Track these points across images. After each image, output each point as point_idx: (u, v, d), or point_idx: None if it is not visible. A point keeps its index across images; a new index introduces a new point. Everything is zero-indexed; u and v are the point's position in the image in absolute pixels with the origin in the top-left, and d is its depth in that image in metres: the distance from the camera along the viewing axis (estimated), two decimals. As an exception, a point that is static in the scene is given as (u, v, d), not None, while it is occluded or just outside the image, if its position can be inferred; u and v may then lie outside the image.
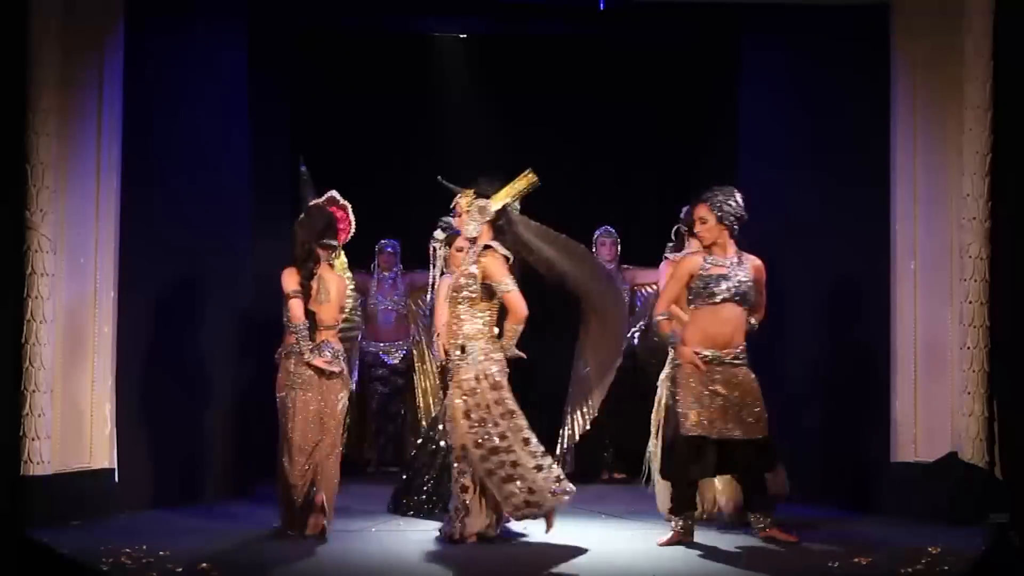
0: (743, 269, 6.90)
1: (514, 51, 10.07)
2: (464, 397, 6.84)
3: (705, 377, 6.81)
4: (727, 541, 6.97)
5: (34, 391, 7.16)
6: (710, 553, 6.66)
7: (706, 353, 6.83)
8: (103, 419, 7.59)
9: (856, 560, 6.36)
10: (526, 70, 10.14)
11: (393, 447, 9.67)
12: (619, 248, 9.50)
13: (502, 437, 6.80)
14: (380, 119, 10.19)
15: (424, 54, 10.17)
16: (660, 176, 10.42)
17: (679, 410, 6.84)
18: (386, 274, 9.74)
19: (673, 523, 6.93)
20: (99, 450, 7.57)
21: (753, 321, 7.01)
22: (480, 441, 6.80)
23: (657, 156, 10.40)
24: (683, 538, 6.88)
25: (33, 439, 7.15)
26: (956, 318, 7.61)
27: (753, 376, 6.91)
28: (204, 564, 6.05)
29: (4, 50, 7.14)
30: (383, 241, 9.67)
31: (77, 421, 7.47)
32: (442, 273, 7.66)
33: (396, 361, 9.68)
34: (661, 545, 6.84)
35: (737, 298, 6.85)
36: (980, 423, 7.36)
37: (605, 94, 10.23)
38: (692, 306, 6.95)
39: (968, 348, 7.44)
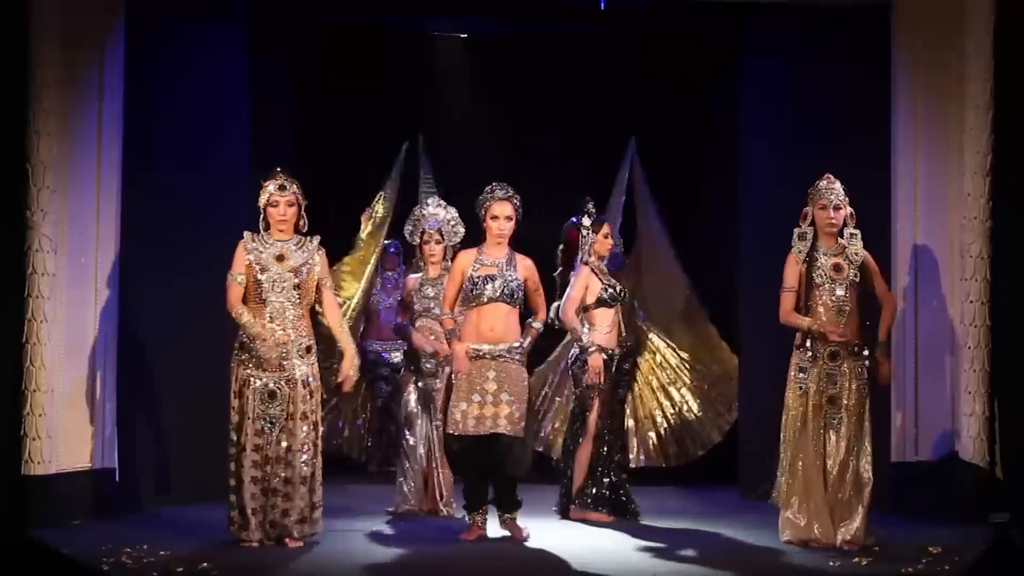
0: (512, 268, 7.01)
1: (514, 50, 10.06)
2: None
3: (478, 375, 6.91)
4: (728, 541, 6.97)
5: (34, 391, 7.18)
6: (710, 553, 6.65)
7: (481, 347, 6.93)
8: (103, 419, 7.59)
9: (856, 560, 6.36)
10: (526, 69, 10.13)
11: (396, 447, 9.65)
12: (622, 247, 9.51)
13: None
14: (381, 119, 10.18)
15: (424, 54, 10.16)
16: (661, 176, 10.41)
17: (450, 406, 6.96)
18: (389, 273, 9.77)
19: (470, 518, 7.03)
20: (99, 450, 7.58)
21: (537, 324, 7.12)
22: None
23: (658, 156, 10.38)
24: (482, 533, 7.01)
25: (33, 439, 7.16)
26: (957, 318, 7.61)
27: (525, 376, 7.03)
28: (204, 564, 6.05)
29: (5, 50, 7.14)
30: (386, 241, 9.69)
31: (77, 421, 7.47)
32: (585, 261, 7.75)
33: (398, 360, 9.67)
34: (464, 538, 6.94)
35: (505, 298, 6.96)
36: (981, 423, 7.35)
37: (606, 93, 10.22)
38: (463, 306, 7.07)
39: (969, 348, 7.43)
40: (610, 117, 10.24)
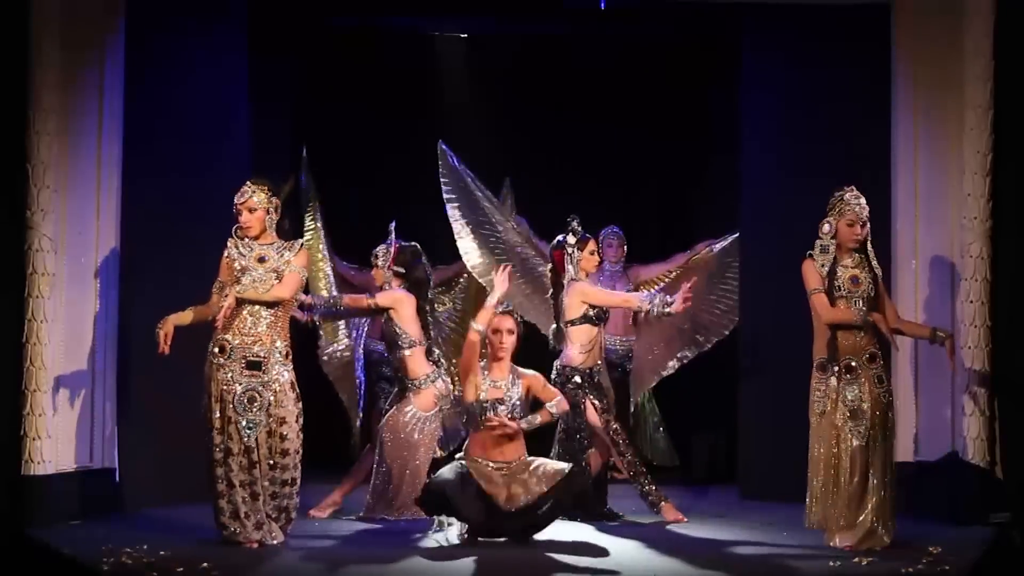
0: (516, 387, 7.03)
1: (514, 50, 10.05)
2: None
3: (488, 478, 6.91)
4: (728, 541, 6.98)
5: (35, 391, 7.18)
6: (711, 554, 6.65)
7: (489, 464, 6.95)
8: (103, 419, 7.59)
9: (856, 560, 6.36)
10: (527, 69, 10.13)
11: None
12: (626, 249, 9.48)
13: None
14: (380, 120, 10.18)
15: (424, 54, 10.16)
16: (661, 176, 10.42)
17: None
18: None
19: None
20: (99, 450, 7.58)
21: (553, 409, 7.07)
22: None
23: (657, 156, 10.40)
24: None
25: (33, 439, 7.16)
26: (957, 318, 7.61)
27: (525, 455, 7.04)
28: (204, 564, 6.05)
29: (5, 49, 7.15)
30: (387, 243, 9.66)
31: (77, 421, 7.47)
32: (573, 279, 7.60)
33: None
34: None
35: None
36: (981, 423, 7.35)
37: (606, 93, 10.22)
38: (468, 421, 7.17)
39: (969, 348, 7.43)
40: (610, 116, 10.24)
